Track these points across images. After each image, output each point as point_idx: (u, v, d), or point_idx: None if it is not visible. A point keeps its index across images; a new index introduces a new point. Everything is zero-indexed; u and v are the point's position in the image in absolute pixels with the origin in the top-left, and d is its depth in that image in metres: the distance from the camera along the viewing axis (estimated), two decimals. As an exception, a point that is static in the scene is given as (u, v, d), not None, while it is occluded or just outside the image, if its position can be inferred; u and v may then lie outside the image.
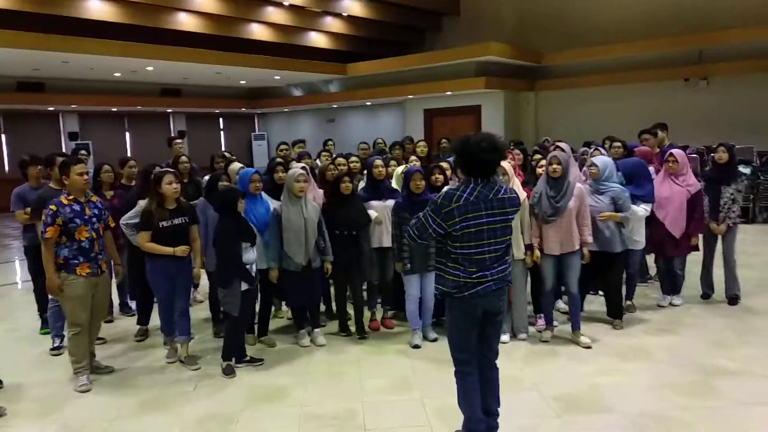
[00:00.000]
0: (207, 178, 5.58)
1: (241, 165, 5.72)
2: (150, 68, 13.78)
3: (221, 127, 21.03)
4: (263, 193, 5.16)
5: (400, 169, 5.85)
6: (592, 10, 14.95)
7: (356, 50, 16.82)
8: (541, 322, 5.35)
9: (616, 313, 5.47)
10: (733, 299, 6.02)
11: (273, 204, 5.14)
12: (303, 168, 5.12)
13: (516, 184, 4.96)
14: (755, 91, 12.76)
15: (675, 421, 3.65)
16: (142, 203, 4.89)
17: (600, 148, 6.77)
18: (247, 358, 4.82)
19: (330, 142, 8.70)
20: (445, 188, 4.96)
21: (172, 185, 4.68)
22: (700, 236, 5.98)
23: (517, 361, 4.61)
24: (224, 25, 13.73)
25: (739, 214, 5.95)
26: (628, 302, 5.87)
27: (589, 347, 4.92)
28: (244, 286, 4.57)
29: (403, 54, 16.19)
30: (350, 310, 5.53)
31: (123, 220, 4.91)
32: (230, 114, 20.83)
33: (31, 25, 10.70)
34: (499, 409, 3.43)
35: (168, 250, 4.64)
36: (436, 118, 16.33)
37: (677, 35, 13.00)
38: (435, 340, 5.15)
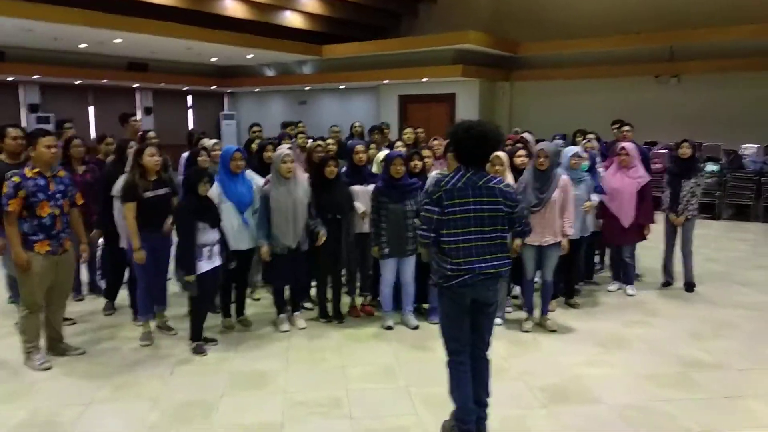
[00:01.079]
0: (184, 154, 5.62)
1: (216, 140, 5.74)
2: (118, 41, 13.26)
3: (189, 104, 20.48)
4: (248, 172, 5.02)
5: (381, 154, 5.74)
6: (568, 3, 15.03)
7: (330, 31, 16.53)
8: (508, 303, 5.51)
9: (569, 293, 5.75)
10: (689, 286, 6.27)
11: (260, 181, 5.04)
12: (289, 149, 4.99)
13: (509, 176, 4.93)
14: (724, 89, 13.05)
15: (660, 414, 3.68)
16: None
17: (561, 139, 6.94)
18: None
19: (300, 124, 8.55)
20: (434, 173, 4.90)
21: (153, 157, 4.65)
22: (659, 227, 6.18)
23: (501, 351, 4.58)
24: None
25: (697, 207, 6.19)
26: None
27: (554, 331, 5.05)
28: (205, 267, 4.42)
29: (377, 38, 16.01)
30: (328, 295, 5.42)
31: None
32: (199, 92, 20.27)
33: (-9, -10, 10.15)
34: (488, 400, 3.40)
35: (138, 248, 4.53)
36: (411, 104, 16.23)
37: (650, 32, 13.18)
38: (416, 327, 5.09)
